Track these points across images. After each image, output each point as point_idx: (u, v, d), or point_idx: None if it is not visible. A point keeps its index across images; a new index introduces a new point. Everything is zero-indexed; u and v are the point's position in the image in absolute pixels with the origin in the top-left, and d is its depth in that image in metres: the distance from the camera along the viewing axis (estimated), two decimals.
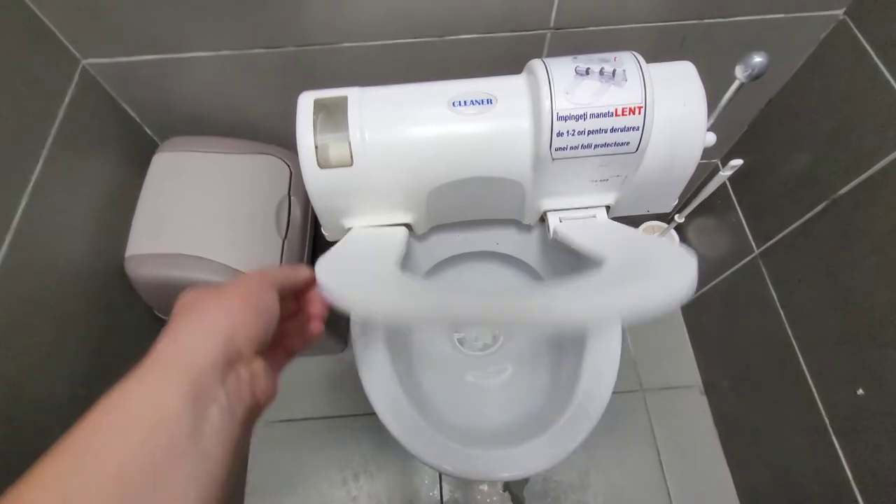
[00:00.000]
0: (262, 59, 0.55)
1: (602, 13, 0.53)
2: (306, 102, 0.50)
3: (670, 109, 0.49)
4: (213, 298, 0.26)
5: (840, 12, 0.55)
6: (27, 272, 0.46)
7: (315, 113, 0.50)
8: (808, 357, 0.65)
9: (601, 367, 0.56)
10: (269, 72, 0.56)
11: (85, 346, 0.53)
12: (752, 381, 0.79)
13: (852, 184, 0.56)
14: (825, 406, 0.62)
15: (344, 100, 0.49)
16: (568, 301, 0.35)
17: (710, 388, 0.91)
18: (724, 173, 0.71)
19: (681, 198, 0.64)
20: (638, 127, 0.48)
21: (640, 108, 0.47)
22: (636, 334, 0.97)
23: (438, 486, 0.85)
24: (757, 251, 0.74)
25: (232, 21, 0.51)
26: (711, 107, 0.51)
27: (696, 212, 0.83)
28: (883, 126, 0.52)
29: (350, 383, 0.93)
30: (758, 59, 0.45)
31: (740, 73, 0.46)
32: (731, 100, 0.50)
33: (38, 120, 0.49)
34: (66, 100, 0.52)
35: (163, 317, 0.62)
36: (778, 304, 0.70)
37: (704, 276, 0.90)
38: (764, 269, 0.72)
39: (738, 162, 0.68)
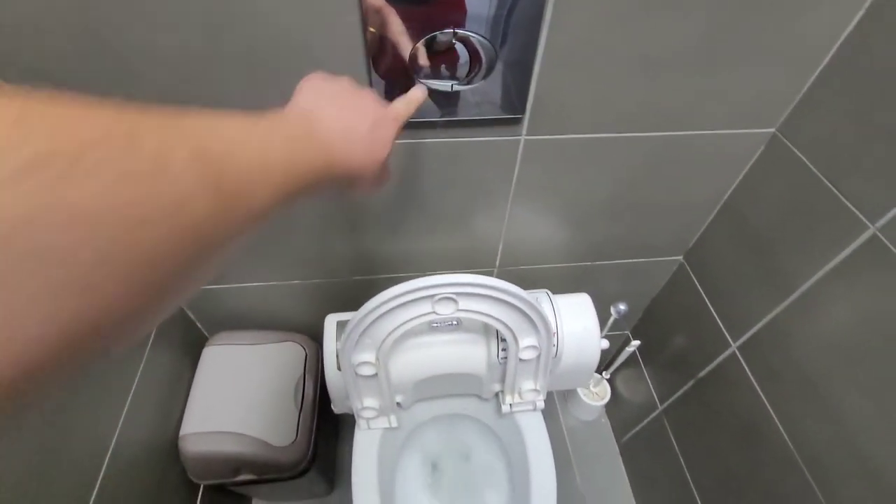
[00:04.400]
0: (294, 286, 0.79)
1: (530, 258, 0.81)
2: (331, 323, 0.73)
3: (575, 328, 0.75)
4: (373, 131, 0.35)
5: (679, 258, 0.85)
6: (130, 448, 0.62)
7: (337, 331, 0.73)
8: (701, 497, 0.85)
9: None
10: (298, 291, 0.80)
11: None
12: None
13: (703, 372, 0.81)
14: None
15: None
16: None
17: None
18: (629, 349, 0.96)
19: (605, 360, 0.87)
20: (555, 343, 0.72)
21: (554, 333, 0.72)
22: (583, 469, 1.14)
23: None
24: (660, 407, 0.97)
25: (276, 266, 0.75)
26: (603, 320, 0.77)
27: (622, 368, 1.07)
28: (710, 341, 0.78)
29: None
30: (622, 307, 0.72)
31: (613, 311, 0.73)
32: (610, 325, 0.76)
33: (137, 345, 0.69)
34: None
35: (196, 481, 0.76)
36: (677, 450, 0.91)
37: (632, 419, 1.11)
38: (666, 422, 0.95)
39: (636, 342, 0.94)
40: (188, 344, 0.81)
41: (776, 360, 0.66)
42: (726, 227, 0.74)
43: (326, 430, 0.94)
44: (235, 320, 0.84)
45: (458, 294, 0.58)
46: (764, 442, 0.69)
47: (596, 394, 1.17)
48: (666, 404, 0.94)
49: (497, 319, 0.62)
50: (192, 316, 0.83)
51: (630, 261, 0.84)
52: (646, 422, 1.04)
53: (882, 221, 0.49)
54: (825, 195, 0.55)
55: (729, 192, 0.72)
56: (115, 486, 0.62)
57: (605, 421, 1.23)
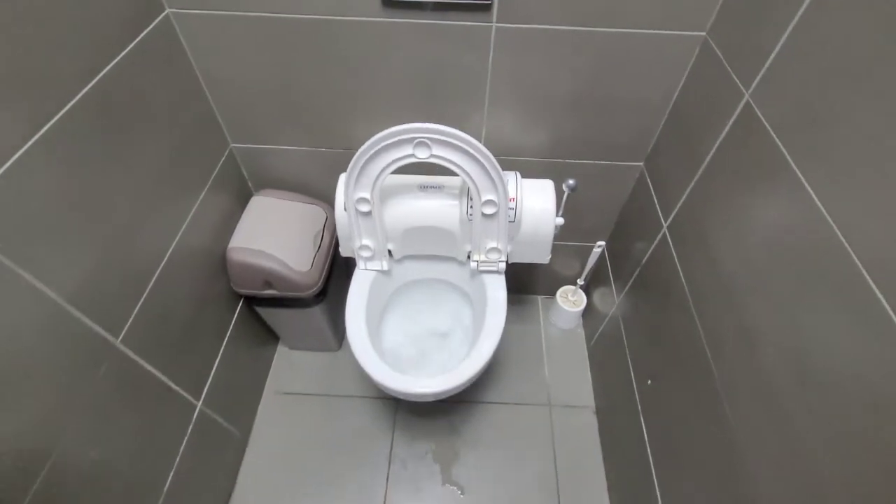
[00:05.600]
0: (323, 154, 1.01)
1: (509, 148, 0.98)
2: (343, 179, 0.95)
3: (535, 204, 0.92)
4: None
5: (640, 164, 0.99)
6: (186, 252, 0.87)
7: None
8: (636, 371, 1.00)
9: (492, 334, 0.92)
10: (325, 160, 1.02)
11: (191, 299, 0.92)
12: (613, 404, 1.11)
13: (645, 258, 0.95)
14: (639, 396, 0.95)
15: None
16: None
17: (599, 411, 1.23)
18: (596, 250, 1.12)
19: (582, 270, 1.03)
20: (513, 208, 0.90)
21: (513, 199, 0.89)
22: (553, 366, 1.31)
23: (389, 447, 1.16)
24: (616, 302, 1.11)
25: (311, 132, 0.98)
26: (561, 201, 0.93)
27: (596, 280, 1.22)
28: (651, 230, 0.92)
29: (342, 373, 1.28)
30: (571, 181, 0.88)
31: (565, 187, 0.90)
32: (564, 201, 0.93)
33: (202, 176, 0.93)
34: (217, 167, 0.98)
35: (236, 289, 1.01)
36: (624, 336, 1.06)
37: (599, 322, 1.26)
38: (619, 315, 1.09)
39: (602, 243, 1.10)
40: (239, 193, 1.06)
41: (687, 229, 0.80)
42: (672, 129, 0.87)
43: (336, 282, 1.17)
44: (277, 182, 1.09)
45: (430, 140, 0.77)
46: (673, 299, 0.83)
47: (573, 302, 1.33)
48: (620, 298, 1.09)
49: (462, 169, 0.80)
50: (245, 173, 1.08)
51: (598, 162, 0.99)
52: (606, 320, 1.18)
53: (752, 87, 0.62)
54: (723, 74, 0.69)
55: (675, 95, 0.85)
56: (170, 281, 0.82)
57: (581, 331, 1.38)
